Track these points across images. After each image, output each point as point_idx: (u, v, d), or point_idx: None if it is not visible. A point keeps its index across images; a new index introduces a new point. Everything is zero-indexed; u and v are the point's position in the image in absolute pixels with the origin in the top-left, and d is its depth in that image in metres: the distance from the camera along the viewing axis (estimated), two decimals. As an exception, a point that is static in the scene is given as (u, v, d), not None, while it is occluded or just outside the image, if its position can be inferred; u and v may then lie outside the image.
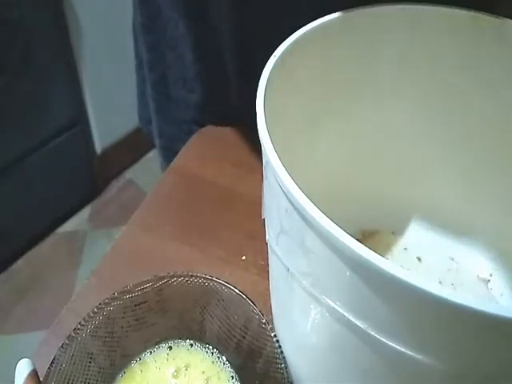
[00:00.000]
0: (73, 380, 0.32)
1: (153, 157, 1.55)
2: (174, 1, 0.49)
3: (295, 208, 0.21)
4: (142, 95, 0.64)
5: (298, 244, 0.22)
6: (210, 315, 0.35)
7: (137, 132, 1.46)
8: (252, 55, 0.49)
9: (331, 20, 0.31)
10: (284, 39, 0.29)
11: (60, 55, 1.22)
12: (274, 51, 0.28)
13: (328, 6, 0.32)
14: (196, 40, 0.50)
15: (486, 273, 0.39)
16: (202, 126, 0.57)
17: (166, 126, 0.61)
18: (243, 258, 0.44)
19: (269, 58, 0.28)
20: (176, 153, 0.55)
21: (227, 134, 0.56)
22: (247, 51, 0.49)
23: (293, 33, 0.30)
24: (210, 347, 0.35)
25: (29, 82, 1.16)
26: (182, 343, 0.36)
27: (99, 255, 0.45)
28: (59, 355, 0.32)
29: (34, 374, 0.31)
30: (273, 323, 0.33)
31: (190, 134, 0.57)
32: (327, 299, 0.22)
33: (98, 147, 1.44)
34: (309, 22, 0.31)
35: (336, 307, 0.21)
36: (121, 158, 1.52)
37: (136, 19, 0.56)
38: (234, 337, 0.34)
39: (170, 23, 0.52)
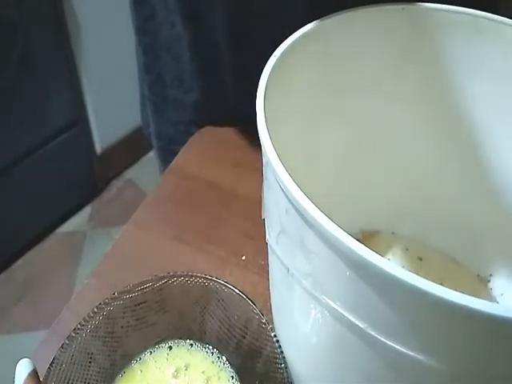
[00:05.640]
0: (73, 380, 0.32)
1: (153, 157, 1.55)
2: (168, 0, 0.49)
3: (295, 208, 0.21)
4: (143, 97, 0.65)
5: (298, 244, 0.22)
6: (210, 315, 0.35)
7: (137, 132, 1.46)
8: (247, 54, 0.49)
9: (331, 20, 0.31)
10: (280, 38, 0.29)
11: (60, 55, 1.22)
12: (269, 50, 0.28)
13: (323, 4, 0.32)
14: (192, 39, 0.50)
15: (486, 273, 0.39)
16: (200, 126, 0.57)
17: (163, 127, 0.61)
18: (243, 257, 0.44)
19: (264, 57, 0.28)
20: (174, 154, 0.55)
21: (227, 135, 0.56)
22: (242, 50, 0.49)
23: (288, 32, 0.30)
24: (210, 347, 0.35)
25: (29, 81, 1.16)
26: (182, 343, 0.36)
27: (99, 255, 0.45)
28: (59, 355, 0.32)
29: (33, 374, 0.31)
30: (273, 323, 0.33)
31: (187, 134, 0.57)
32: (327, 299, 0.22)
33: (98, 147, 1.44)
34: (304, 22, 0.31)
35: (336, 307, 0.21)
36: (121, 158, 1.52)
37: (132, 21, 0.57)
38: (234, 337, 0.34)
39: (164, 24, 0.52)
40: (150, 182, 1.36)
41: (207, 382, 0.34)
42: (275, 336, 0.32)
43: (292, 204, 0.21)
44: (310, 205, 0.20)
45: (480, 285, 0.39)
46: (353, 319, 0.21)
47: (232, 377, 0.34)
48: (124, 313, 0.35)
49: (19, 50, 1.11)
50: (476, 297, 0.16)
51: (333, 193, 0.35)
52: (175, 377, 0.34)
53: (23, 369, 0.31)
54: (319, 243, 0.20)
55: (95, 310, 0.34)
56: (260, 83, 0.26)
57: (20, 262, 1.33)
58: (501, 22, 0.31)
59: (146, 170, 1.56)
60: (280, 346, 0.31)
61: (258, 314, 0.33)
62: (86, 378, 0.33)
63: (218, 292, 0.35)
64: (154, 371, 0.34)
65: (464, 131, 0.36)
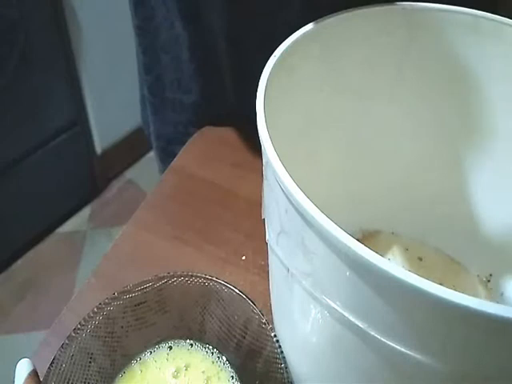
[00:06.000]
0: (73, 380, 0.32)
1: (153, 157, 1.55)
2: (168, 1, 0.49)
3: (295, 208, 0.21)
4: (143, 98, 0.65)
5: (297, 244, 0.22)
6: (210, 315, 0.35)
7: (137, 132, 1.46)
8: (245, 54, 0.49)
9: (331, 20, 0.31)
10: (279, 38, 0.29)
11: (60, 55, 1.22)
12: (268, 50, 0.28)
13: (323, 4, 0.32)
14: (191, 39, 0.50)
15: (486, 273, 0.39)
16: (199, 127, 0.57)
17: (162, 128, 0.61)
18: (243, 257, 0.44)
19: (264, 57, 0.28)
20: (173, 154, 0.55)
21: (227, 134, 0.56)
22: (240, 49, 0.49)
23: (288, 32, 0.30)
24: (210, 347, 0.35)
25: (29, 82, 1.16)
26: (182, 343, 0.36)
27: (99, 255, 0.45)
28: (59, 355, 0.32)
29: (34, 373, 0.31)
30: (273, 323, 0.33)
31: (186, 135, 0.57)
32: (327, 299, 0.22)
33: (98, 147, 1.44)
34: (304, 22, 0.31)
35: (336, 307, 0.21)
36: (121, 157, 1.52)
37: (132, 22, 0.57)
38: (234, 337, 0.34)
39: (164, 24, 0.52)
40: (150, 182, 1.36)
41: (207, 382, 0.34)
42: (275, 336, 0.32)
43: (292, 204, 0.21)
44: (310, 205, 0.20)
45: (480, 285, 0.39)
46: (353, 319, 0.21)
47: (232, 377, 0.34)
48: (124, 313, 0.35)
49: (19, 49, 1.11)
50: (476, 297, 0.16)
51: (333, 193, 0.35)
52: (175, 377, 0.34)
53: (23, 369, 0.31)
54: (319, 243, 0.20)
55: (95, 309, 0.34)
56: (260, 83, 0.26)
57: (20, 262, 1.33)
58: (501, 22, 0.31)
59: (146, 170, 1.56)
60: (280, 346, 0.31)
61: (258, 314, 0.33)
62: (85, 378, 0.33)
63: (218, 292, 0.35)
64: (153, 371, 0.34)
65: (464, 131, 0.36)
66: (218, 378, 0.34)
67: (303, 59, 0.31)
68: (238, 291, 0.34)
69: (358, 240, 0.18)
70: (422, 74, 0.35)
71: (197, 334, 0.36)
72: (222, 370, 0.34)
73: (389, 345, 0.20)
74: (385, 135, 0.38)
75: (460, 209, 0.39)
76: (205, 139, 0.56)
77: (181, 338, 0.36)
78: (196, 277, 0.35)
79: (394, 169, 0.40)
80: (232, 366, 0.34)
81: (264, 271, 0.42)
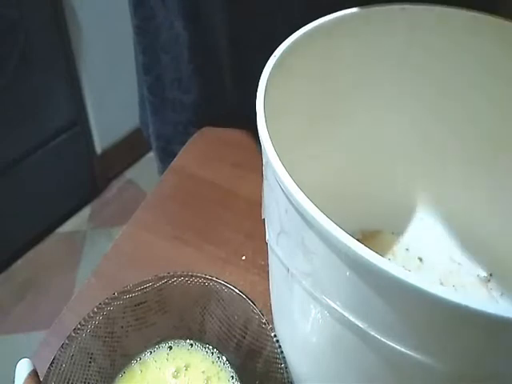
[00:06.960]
0: (73, 380, 0.32)
1: (153, 157, 1.55)
2: (167, 1, 0.49)
3: (295, 208, 0.21)
4: (142, 98, 0.65)
5: (297, 244, 0.22)
6: (210, 315, 0.35)
7: (137, 132, 1.46)
8: (245, 54, 0.49)
9: (331, 20, 0.31)
10: (279, 38, 0.29)
11: (60, 55, 1.22)
12: (268, 50, 0.28)
13: (323, 3, 0.32)
14: (191, 38, 0.50)
15: (486, 273, 0.39)
16: (199, 127, 0.57)
17: (162, 128, 0.61)
18: (243, 257, 0.44)
19: (264, 57, 0.28)
20: (173, 154, 0.55)
21: (227, 134, 0.56)
22: (240, 49, 0.49)
23: (288, 31, 0.30)
24: (210, 347, 0.35)
25: (29, 82, 1.16)
26: (182, 343, 0.36)
27: (99, 255, 0.45)
28: (59, 355, 0.32)
29: (34, 374, 0.31)
30: (273, 323, 0.33)
31: (186, 135, 0.57)
32: (327, 299, 0.22)
33: (98, 147, 1.44)
34: (304, 22, 0.31)
35: (336, 307, 0.21)
36: (121, 157, 1.52)
37: (131, 22, 0.57)
38: (234, 337, 0.34)
39: (164, 24, 0.52)
40: (150, 182, 1.36)
41: (207, 381, 0.34)
42: (275, 336, 0.32)
43: (292, 204, 0.21)
44: (310, 205, 0.20)
45: (480, 285, 0.39)
46: (353, 319, 0.21)
47: (232, 377, 0.34)
48: (124, 313, 0.35)
49: (19, 49, 1.11)
50: (476, 297, 0.16)
51: (333, 193, 0.35)
52: (175, 377, 0.34)
53: (23, 369, 0.31)
54: (319, 243, 0.20)
55: (95, 309, 0.34)
56: (260, 83, 0.26)
57: (20, 262, 1.33)
58: (501, 22, 0.31)
59: (146, 170, 1.56)
60: (280, 346, 0.31)
61: (258, 314, 0.33)
62: (85, 378, 0.33)
63: (218, 292, 0.35)
64: (153, 371, 0.34)
65: (465, 131, 0.36)
66: (218, 378, 0.34)
67: (303, 59, 0.31)
68: (238, 291, 0.34)
69: (358, 240, 0.18)
70: (422, 75, 0.35)
71: (197, 334, 0.36)
72: (221, 370, 0.34)
73: (389, 345, 0.20)
74: (384, 135, 0.38)
75: (460, 209, 0.39)
76: (205, 139, 0.56)
77: (181, 338, 0.36)
78: (196, 277, 0.35)
79: (394, 168, 0.40)
80: (232, 366, 0.34)
81: (264, 271, 0.42)
